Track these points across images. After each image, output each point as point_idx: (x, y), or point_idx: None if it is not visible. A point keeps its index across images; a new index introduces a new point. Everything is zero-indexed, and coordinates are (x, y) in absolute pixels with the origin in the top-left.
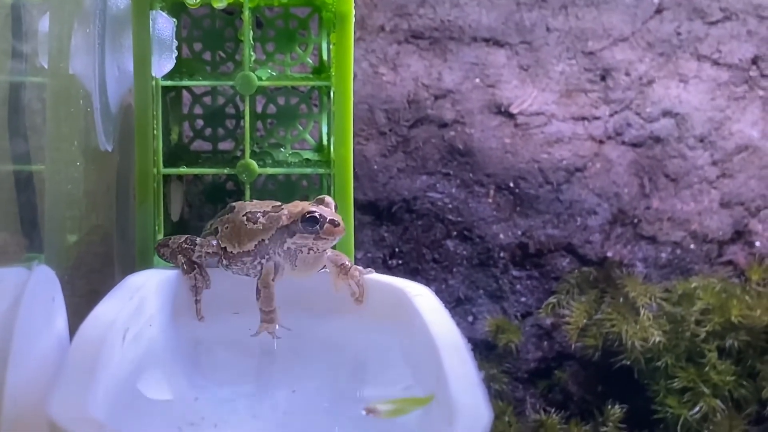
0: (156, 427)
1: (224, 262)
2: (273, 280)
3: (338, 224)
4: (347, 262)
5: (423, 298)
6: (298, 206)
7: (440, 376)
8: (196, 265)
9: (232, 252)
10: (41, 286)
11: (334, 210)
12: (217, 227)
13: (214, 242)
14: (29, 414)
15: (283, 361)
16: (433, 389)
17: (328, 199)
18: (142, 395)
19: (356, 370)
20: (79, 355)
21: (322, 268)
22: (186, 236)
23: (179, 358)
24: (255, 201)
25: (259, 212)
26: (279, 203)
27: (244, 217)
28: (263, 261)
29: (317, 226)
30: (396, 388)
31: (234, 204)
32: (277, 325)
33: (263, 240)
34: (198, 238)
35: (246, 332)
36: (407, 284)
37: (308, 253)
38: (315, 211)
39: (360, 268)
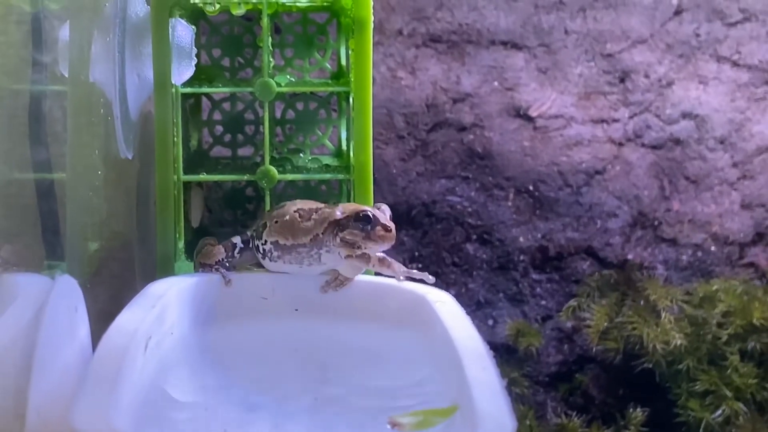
0: None
1: (274, 254)
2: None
3: (390, 230)
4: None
5: (444, 304)
6: (353, 205)
7: (463, 385)
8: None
9: (285, 244)
10: (64, 296)
11: (389, 218)
12: (266, 222)
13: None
14: (53, 424)
15: (305, 369)
16: (456, 398)
17: (385, 206)
18: (165, 404)
19: (378, 378)
20: (102, 365)
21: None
22: (217, 262)
23: (201, 366)
24: (306, 201)
25: (312, 209)
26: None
27: (297, 213)
28: (321, 251)
29: (369, 226)
30: (419, 397)
31: (285, 202)
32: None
33: (317, 234)
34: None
35: (267, 340)
36: (428, 290)
37: (355, 258)
38: (369, 212)
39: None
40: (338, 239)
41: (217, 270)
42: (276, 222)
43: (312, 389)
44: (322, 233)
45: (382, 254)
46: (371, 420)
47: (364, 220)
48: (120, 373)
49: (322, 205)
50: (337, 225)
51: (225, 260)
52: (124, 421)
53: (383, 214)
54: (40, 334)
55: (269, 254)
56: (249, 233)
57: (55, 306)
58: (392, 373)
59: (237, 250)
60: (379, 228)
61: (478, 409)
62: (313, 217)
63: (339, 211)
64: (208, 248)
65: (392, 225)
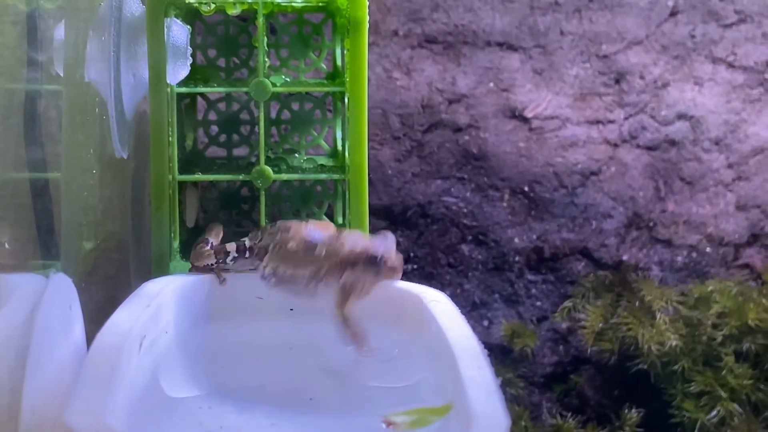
0: None
1: (272, 280)
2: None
3: (396, 270)
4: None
5: (439, 303)
6: (359, 243)
7: (457, 383)
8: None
9: (284, 273)
10: (58, 294)
11: (394, 246)
12: (268, 245)
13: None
14: (47, 422)
15: (300, 369)
16: (451, 397)
17: (390, 235)
18: (160, 402)
19: (373, 377)
20: (97, 363)
21: None
22: (215, 261)
23: (196, 364)
24: (310, 222)
25: (318, 242)
26: (335, 230)
27: (302, 244)
28: (318, 286)
29: (376, 269)
30: (414, 396)
31: (289, 224)
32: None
33: (320, 269)
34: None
35: (262, 339)
36: (423, 290)
37: (361, 289)
38: (377, 254)
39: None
40: (341, 281)
41: (210, 271)
42: (280, 248)
43: (307, 389)
44: (325, 271)
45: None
46: (366, 419)
47: (371, 264)
48: (114, 372)
49: (326, 233)
50: (343, 265)
51: (214, 265)
52: (119, 420)
53: (388, 247)
54: (35, 332)
55: (267, 278)
56: (247, 243)
57: (50, 304)
58: (387, 372)
59: (230, 258)
60: (387, 271)
61: (472, 408)
62: (317, 251)
63: (346, 247)
64: (199, 249)
65: (399, 261)
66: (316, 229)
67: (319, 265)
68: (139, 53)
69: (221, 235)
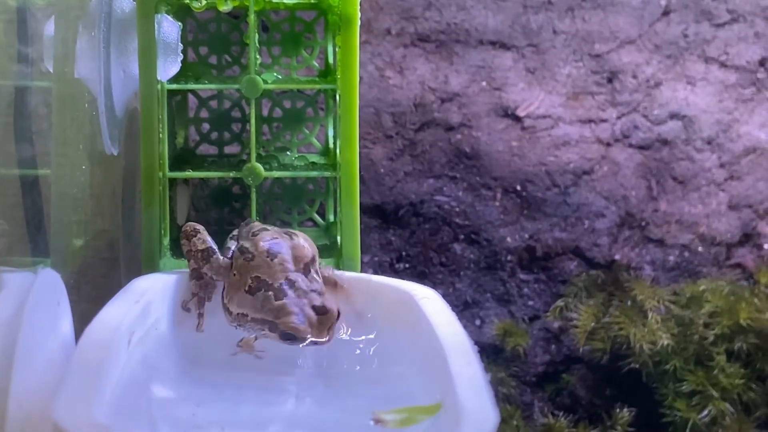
0: (161, 431)
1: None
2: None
3: (323, 340)
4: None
5: (429, 300)
6: (291, 308)
7: (447, 379)
8: (204, 275)
9: (224, 299)
10: (46, 290)
11: (336, 315)
12: (233, 262)
13: (224, 264)
14: (34, 418)
15: (288, 366)
16: (440, 393)
17: (343, 278)
18: (148, 399)
19: (362, 374)
20: (85, 359)
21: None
22: (208, 246)
23: (185, 361)
24: (278, 260)
25: (267, 283)
26: (296, 275)
27: (251, 280)
28: (239, 328)
29: (296, 343)
30: (403, 393)
31: (256, 248)
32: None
33: (246, 315)
34: (215, 255)
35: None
36: (414, 287)
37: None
38: (294, 330)
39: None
40: (263, 334)
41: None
42: (234, 275)
43: (297, 385)
44: (251, 319)
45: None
46: (356, 417)
47: (289, 338)
48: (102, 368)
49: (281, 281)
50: (267, 324)
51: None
52: (106, 415)
53: (327, 309)
54: (22, 327)
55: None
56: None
57: (37, 300)
58: (378, 369)
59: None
60: (308, 343)
61: (462, 404)
62: (258, 294)
63: (277, 311)
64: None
65: (328, 336)
66: (279, 263)
67: (247, 310)
68: (129, 49)
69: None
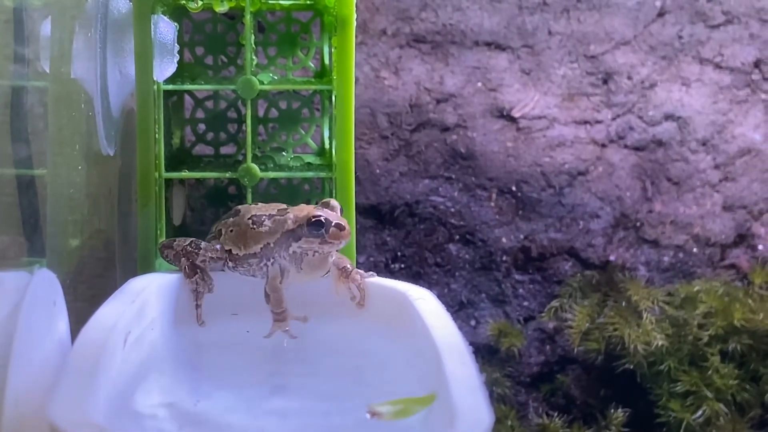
0: (157, 430)
1: (229, 264)
2: (280, 282)
3: (344, 228)
4: (349, 266)
5: (424, 301)
6: (304, 210)
7: (441, 379)
8: (198, 269)
9: (237, 254)
10: (42, 289)
11: (339, 213)
12: (221, 230)
13: (218, 246)
14: (30, 417)
15: (285, 364)
16: (434, 391)
17: (334, 202)
18: (144, 399)
19: (358, 373)
20: (80, 359)
21: (327, 273)
22: (191, 239)
23: (180, 361)
24: (260, 204)
25: (265, 215)
26: (285, 206)
27: (250, 221)
28: (269, 263)
29: (323, 230)
30: (398, 391)
31: (239, 207)
32: (289, 323)
33: (269, 243)
34: (203, 242)
35: (246, 335)
36: (409, 287)
37: (313, 256)
38: (320, 215)
39: (361, 271)
40: (291, 250)
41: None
42: (231, 231)
43: (291, 383)
44: (274, 243)
45: (348, 265)
46: (352, 411)
47: (316, 226)
48: (98, 367)
49: (276, 210)
50: (292, 234)
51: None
52: (102, 415)
53: (333, 212)
54: (18, 327)
55: (227, 264)
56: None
57: (34, 299)
58: (373, 369)
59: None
60: (333, 230)
61: (456, 404)
62: (265, 224)
63: (291, 219)
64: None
65: (345, 222)
66: (263, 206)
67: (267, 239)
68: (125, 50)
69: None
